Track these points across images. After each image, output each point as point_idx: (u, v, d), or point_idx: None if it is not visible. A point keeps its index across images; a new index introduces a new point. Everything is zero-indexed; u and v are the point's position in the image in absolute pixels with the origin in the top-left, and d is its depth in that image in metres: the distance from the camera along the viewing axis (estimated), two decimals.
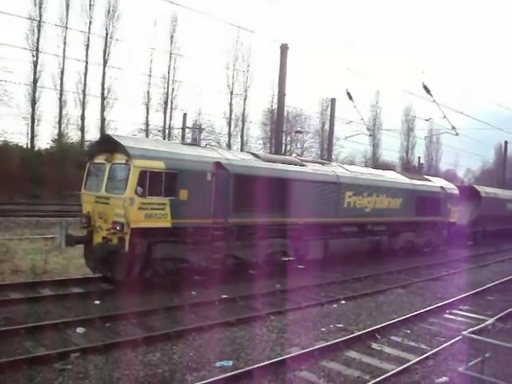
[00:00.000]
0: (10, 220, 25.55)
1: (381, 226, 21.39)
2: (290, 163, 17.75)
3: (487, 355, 7.62)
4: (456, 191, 27.71)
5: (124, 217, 12.55)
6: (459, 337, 9.49)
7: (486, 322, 8.83)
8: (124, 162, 12.96)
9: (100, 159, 14.00)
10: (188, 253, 13.87)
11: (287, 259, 17.35)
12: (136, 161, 12.69)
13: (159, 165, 13.02)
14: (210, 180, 14.09)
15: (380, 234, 21.38)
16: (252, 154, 17.59)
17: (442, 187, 26.28)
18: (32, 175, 39.61)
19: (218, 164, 14.45)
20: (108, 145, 13.71)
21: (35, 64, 47.56)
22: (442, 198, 25.72)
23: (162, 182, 13.00)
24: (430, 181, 26.60)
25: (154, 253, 13.12)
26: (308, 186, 17.37)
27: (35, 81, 47.68)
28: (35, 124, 48.23)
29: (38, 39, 47.79)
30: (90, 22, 50.51)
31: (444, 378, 8.40)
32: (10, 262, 15.51)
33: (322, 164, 20.11)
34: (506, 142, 55.55)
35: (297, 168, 17.59)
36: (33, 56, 47.54)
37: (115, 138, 13.90)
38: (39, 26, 47.51)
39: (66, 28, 48.64)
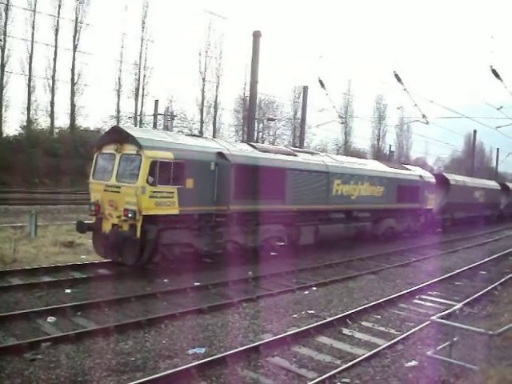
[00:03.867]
0: None
1: (365, 213, 22.29)
2: (284, 153, 18.44)
3: (455, 339, 7.80)
4: (433, 179, 28.87)
5: (136, 205, 13.05)
6: (428, 322, 9.69)
7: (454, 307, 9.04)
8: (135, 152, 13.38)
9: (109, 149, 14.33)
10: (193, 238, 14.56)
11: (281, 244, 17.93)
12: (147, 151, 13.14)
13: (168, 155, 13.53)
14: (214, 169, 14.77)
15: (364, 220, 22.33)
16: (249, 144, 18.11)
17: (420, 176, 27.42)
18: (0, 162, 38.84)
19: (220, 154, 15.05)
20: (118, 136, 14.09)
21: (3, 48, 46.48)
22: (420, 186, 26.86)
23: (171, 171, 13.56)
24: (409, 170, 27.69)
25: (162, 238, 13.71)
26: (301, 175, 18.20)
27: (2, 65, 46.58)
28: (3, 110, 47.24)
29: (5, 23, 46.67)
30: (60, 6, 49.53)
31: (413, 362, 8.55)
32: None
33: (312, 154, 20.96)
34: (474, 132, 56.43)
35: (290, 158, 18.30)
36: (0, 40, 46.36)
37: (125, 129, 14.37)
38: (7, 9, 46.36)
39: (35, 12, 47.62)
